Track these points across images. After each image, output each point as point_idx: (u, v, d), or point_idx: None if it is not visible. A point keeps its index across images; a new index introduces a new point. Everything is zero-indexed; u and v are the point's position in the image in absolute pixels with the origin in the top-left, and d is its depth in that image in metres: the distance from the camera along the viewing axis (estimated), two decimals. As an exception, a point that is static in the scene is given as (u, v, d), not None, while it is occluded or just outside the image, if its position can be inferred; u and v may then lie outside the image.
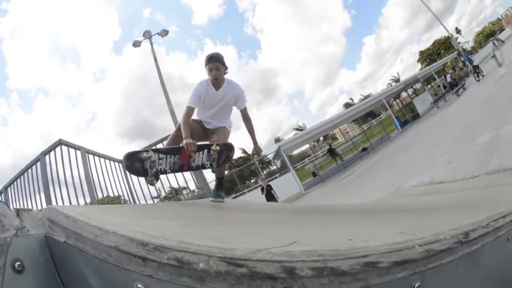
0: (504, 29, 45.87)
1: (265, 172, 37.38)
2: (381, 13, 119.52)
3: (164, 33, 14.72)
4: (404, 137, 18.50)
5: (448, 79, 27.97)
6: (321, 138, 64.07)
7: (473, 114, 9.29)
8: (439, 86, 31.23)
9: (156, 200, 7.64)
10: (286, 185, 17.96)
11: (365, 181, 10.96)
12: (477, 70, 17.42)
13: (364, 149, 23.51)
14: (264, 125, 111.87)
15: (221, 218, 2.74)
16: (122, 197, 5.82)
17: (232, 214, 3.01)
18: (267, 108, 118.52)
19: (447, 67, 48.73)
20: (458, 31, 67.16)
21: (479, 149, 4.65)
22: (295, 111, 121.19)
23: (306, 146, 39.67)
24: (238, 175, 33.63)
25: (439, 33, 68.55)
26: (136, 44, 14.68)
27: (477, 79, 16.98)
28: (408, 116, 26.26)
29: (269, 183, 10.89)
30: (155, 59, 14.58)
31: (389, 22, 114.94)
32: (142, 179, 4.13)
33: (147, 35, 14.48)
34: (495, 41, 21.02)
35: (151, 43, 14.70)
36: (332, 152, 25.13)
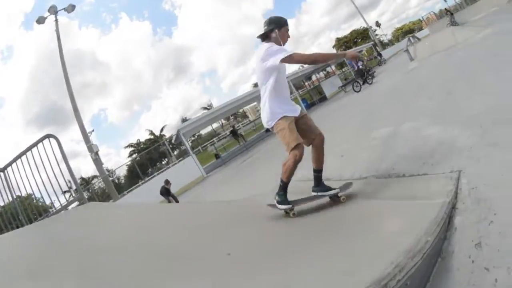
0: (423, 29, 51.07)
1: (175, 152, 34.89)
2: None
3: (71, 8, 14.78)
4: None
5: (360, 66, 30.09)
6: (231, 117, 64.12)
7: (377, 102, 9.10)
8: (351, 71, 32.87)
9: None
10: (188, 169, 17.71)
11: (260, 166, 10.22)
12: (365, 75, 17.26)
13: (268, 130, 23.28)
14: (174, 104, 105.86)
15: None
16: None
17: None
18: (179, 87, 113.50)
19: (362, 54, 52.81)
20: (378, 24, 72.14)
21: (373, 144, 3.87)
22: (206, 89, 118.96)
23: (218, 125, 38.79)
24: (147, 158, 31.12)
25: (359, 24, 73.18)
26: (40, 20, 14.53)
27: (369, 82, 16.80)
28: (316, 98, 26.88)
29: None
30: (58, 38, 14.47)
31: (312, 8, 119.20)
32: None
33: (53, 10, 14.34)
34: (410, 38, 22.28)
35: (56, 20, 14.57)
36: (235, 134, 24.47)
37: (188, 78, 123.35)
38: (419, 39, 21.98)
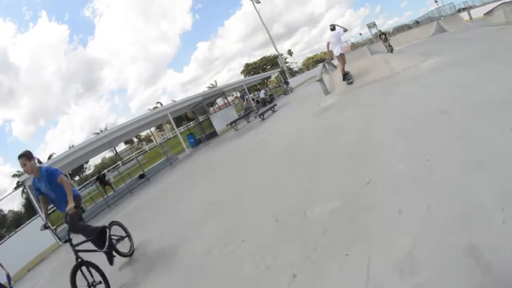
0: (334, 59, 50.95)
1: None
2: (222, 24, 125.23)
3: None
4: (180, 170, 11.57)
5: (261, 95, 24.71)
6: (135, 139, 54.32)
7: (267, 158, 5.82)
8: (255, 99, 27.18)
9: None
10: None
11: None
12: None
13: (142, 176, 15.76)
14: (82, 121, 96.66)
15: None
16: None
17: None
18: (87, 103, 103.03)
19: (270, 81, 49.09)
20: (290, 52, 72.50)
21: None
22: (115, 108, 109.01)
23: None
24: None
25: (271, 51, 72.26)
26: None
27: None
28: (202, 134, 20.22)
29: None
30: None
31: (227, 33, 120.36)
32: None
33: None
34: (326, 64, 17.28)
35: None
36: (101, 181, 17.32)
37: (98, 94, 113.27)
38: (335, 66, 17.23)
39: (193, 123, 23.87)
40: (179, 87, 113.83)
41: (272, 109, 14.12)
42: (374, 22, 31.39)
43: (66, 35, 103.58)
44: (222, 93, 22.11)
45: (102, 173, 19.55)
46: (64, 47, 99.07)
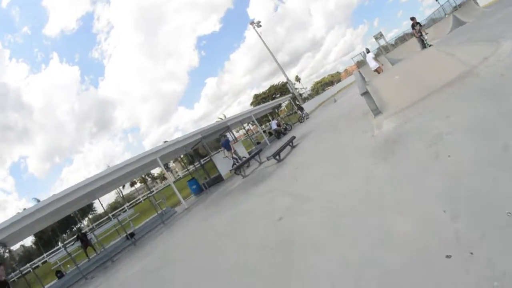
0: (341, 80, 49.86)
1: None
2: (228, 58, 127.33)
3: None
4: (169, 240, 7.93)
5: (274, 126, 21.00)
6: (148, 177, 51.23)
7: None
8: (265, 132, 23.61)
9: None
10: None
11: None
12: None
13: (131, 235, 12.33)
14: (96, 159, 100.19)
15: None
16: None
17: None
18: (101, 142, 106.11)
19: (281, 111, 45.84)
20: (298, 79, 70.67)
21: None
22: (129, 147, 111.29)
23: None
24: None
25: (279, 79, 70.62)
26: None
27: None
28: (207, 178, 16.68)
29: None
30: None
31: (234, 67, 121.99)
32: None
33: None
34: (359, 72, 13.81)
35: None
36: (82, 240, 13.73)
37: (111, 133, 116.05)
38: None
39: (197, 164, 20.53)
40: (191, 123, 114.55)
41: (290, 143, 10.58)
42: (380, 32, 28.60)
43: (77, 76, 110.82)
44: (226, 127, 18.81)
45: (83, 231, 16.09)
46: (76, 87, 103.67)
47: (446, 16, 25.82)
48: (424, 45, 14.91)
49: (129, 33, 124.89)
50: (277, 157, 9.19)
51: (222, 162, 14.76)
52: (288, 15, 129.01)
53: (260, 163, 11.97)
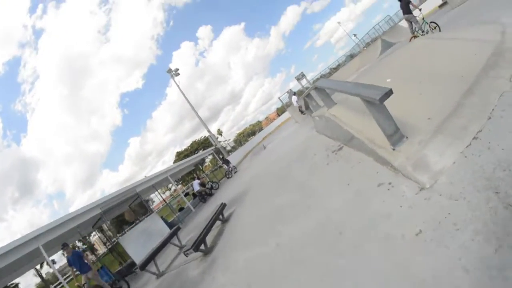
0: (263, 129, 49.90)
1: None
2: (151, 116, 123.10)
3: None
4: None
5: (196, 187, 15.83)
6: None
7: None
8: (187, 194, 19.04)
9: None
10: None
11: None
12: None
13: None
14: (22, 229, 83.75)
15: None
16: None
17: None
18: (25, 209, 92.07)
19: (205, 167, 41.57)
20: (220, 132, 69.26)
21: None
22: (54, 215, 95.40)
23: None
24: None
25: (201, 134, 68.13)
26: None
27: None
28: (120, 266, 11.54)
29: None
30: None
31: (157, 125, 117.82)
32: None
33: None
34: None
35: None
36: None
37: (35, 199, 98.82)
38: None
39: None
40: (117, 187, 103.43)
41: (221, 216, 6.75)
42: (302, 72, 28.09)
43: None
44: (135, 194, 14.02)
45: None
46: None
47: (364, 48, 27.18)
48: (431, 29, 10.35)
49: (54, 85, 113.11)
50: (202, 247, 5.23)
51: (134, 244, 9.94)
52: (209, 69, 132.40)
53: (181, 247, 7.83)
